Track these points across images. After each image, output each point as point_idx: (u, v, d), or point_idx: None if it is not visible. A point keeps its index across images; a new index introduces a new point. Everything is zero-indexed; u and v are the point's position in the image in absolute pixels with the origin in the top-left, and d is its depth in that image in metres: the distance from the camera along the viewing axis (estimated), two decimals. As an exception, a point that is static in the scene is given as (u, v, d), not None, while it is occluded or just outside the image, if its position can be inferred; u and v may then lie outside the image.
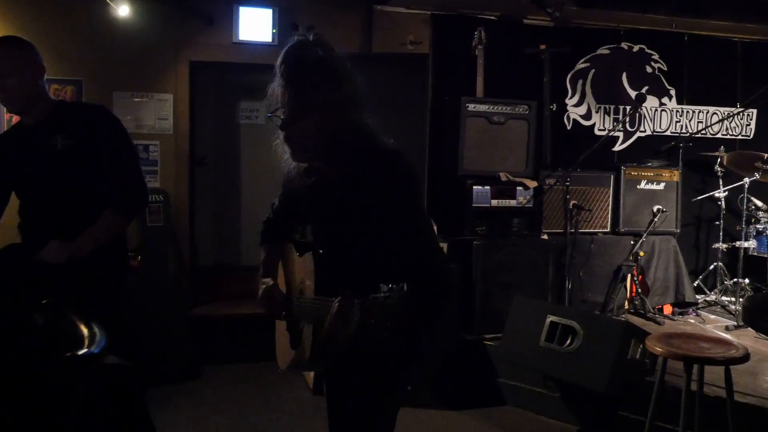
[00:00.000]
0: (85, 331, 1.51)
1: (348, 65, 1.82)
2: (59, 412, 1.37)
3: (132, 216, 2.88)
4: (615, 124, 6.00)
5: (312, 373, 4.53)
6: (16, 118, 3.04)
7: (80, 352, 1.40)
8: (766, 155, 5.25)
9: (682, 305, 5.47)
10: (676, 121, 6.21)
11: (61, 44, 5.03)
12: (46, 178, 2.69)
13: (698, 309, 5.47)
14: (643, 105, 5.88)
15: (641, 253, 5.22)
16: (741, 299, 5.11)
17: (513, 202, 4.83)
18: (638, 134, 6.13)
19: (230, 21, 5.34)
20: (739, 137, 6.32)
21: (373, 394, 1.90)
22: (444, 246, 4.55)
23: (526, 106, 5.04)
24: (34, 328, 1.64)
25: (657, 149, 5.93)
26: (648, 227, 5.23)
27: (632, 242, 5.26)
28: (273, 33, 5.39)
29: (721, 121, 6.22)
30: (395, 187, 1.78)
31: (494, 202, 4.77)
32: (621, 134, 6.09)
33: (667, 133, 6.16)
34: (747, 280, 5.39)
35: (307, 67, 1.75)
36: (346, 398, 1.97)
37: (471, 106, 4.88)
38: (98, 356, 1.43)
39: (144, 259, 4.76)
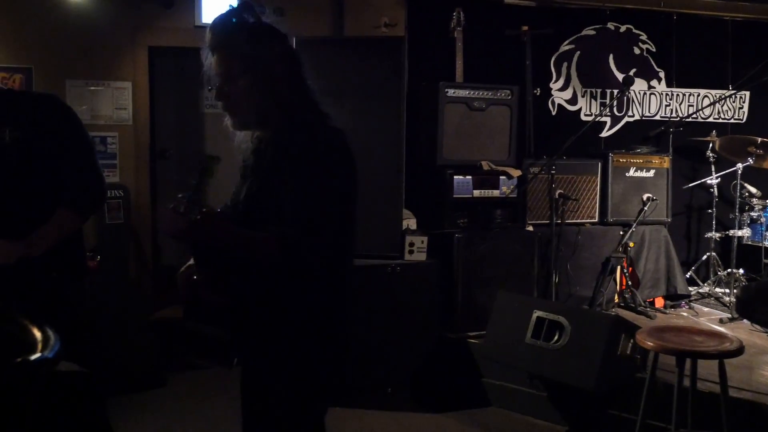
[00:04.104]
0: (38, 334, 1.49)
1: (275, 30, 1.96)
2: (10, 423, 1.36)
3: (88, 213, 2.85)
4: (602, 108, 6.05)
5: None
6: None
7: (32, 357, 1.39)
8: (759, 139, 5.29)
9: (674, 298, 5.54)
10: (666, 105, 6.28)
11: (8, 29, 4.95)
12: (-6, 173, 2.65)
13: (691, 301, 5.55)
14: (631, 88, 5.97)
15: (631, 244, 5.28)
16: (735, 290, 5.20)
17: (496, 193, 4.85)
18: (626, 119, 6.19)
19: (191, 3, 5.29)
20: (732, 121, 6.40)
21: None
22: (423, 240, 4.57)
23: (509, 91, 5.05)
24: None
25: (646, 135, 6.00)
26: (638, 217, 5.28)
27: (621, 233, 5.31)
28: (238, 15, 5.34)
29: (713, 104, 6.29)
30: (311, 163, 1.85)
31: (476, 193, 4.79)
32: (608, 119, 6.15)
33: (657, 117, 6.23)
34: (741, 270, 5.49)
35: (230, 30, 1.89)
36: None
37: (450, 92, 4.89)
38: (52, 361, 1.42)
39: (103, 259, 4.71)
